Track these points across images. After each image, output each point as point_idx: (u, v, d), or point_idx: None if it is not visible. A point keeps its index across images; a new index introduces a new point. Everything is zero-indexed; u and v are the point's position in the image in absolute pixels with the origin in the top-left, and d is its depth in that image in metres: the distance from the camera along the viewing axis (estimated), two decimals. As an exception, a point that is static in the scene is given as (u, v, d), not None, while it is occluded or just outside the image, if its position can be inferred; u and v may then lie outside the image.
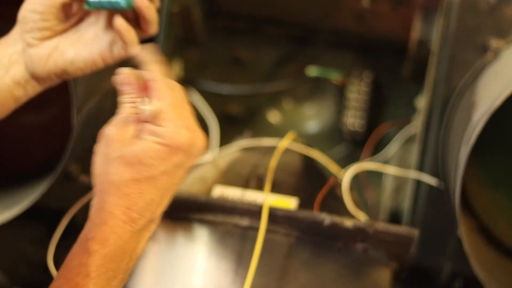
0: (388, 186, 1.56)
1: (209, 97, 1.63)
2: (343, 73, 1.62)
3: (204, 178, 1.17)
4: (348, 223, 1.02)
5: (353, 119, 1.62)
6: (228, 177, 1.15)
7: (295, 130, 1.59)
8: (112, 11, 0.98)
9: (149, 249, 1.08)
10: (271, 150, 1.19)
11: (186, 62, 1.58)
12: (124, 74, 0.92)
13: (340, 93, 1.64)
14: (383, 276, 1.10)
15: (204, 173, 1.18)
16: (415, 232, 1.04)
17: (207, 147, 0.90)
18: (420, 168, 1.37)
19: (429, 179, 1.31)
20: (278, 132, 1.65)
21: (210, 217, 1.06)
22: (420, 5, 1.40)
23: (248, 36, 1.63)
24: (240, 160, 1.19)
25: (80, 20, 1.02)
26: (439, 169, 1.34)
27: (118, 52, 0.99)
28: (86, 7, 0.98)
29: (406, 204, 1.42)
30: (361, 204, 1.26)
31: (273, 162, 1.14)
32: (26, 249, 1.48)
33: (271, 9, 1.59)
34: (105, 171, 0.85)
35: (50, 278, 1.11)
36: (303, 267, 1.05)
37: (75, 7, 1.01)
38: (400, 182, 1.52)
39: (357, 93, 1.61)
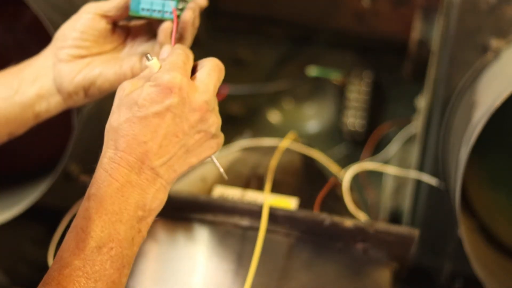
0: (388, 186, 1.56)
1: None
2: (343, 73, 1.62)
3: (204, 178, 1.17)
4: (348, 223, 1.02)
5: (353, 119, 1.62)
6: (228, 177, 1.15)
7: (295, 130, 1.59)
8: (155, 20, 1.01)
9: (149, 249, 1.08)
10: (271, 150, 1.19)
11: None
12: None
13: (340, 93, 1.64)
14: (384, 276, 1.10)
15: (204, 173, 1.18)
16: (415, 232, 1.04)
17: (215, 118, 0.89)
18: (420, 168, 1.37)
19: (429, 179, 1.31)
20: (278, 132, 1.65)
21: (210, 217, 1.06)
22: (420, 5, 1.40)
23: (248, 36, 1.64)
24: (240, 160, 1.19)
25: (118, 46, 1.03)
26: (439, 169, 1.34)
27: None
28: (132, 13, 0.99)
29: (406, 204, 1.42)
30: (361, 204, 1.26)
31: (273, 162, 1.14)
32: (26, 249, 1.48)
33: (272, 9, 1.59)
34: (110, 120, 0.86)
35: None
36: (303, 267, 1.05)
37: (116, 34, 1.02)
38: (400, 182, 1.53)
39: (357, 93, 1.61)
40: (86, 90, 1.00)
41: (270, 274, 1.04)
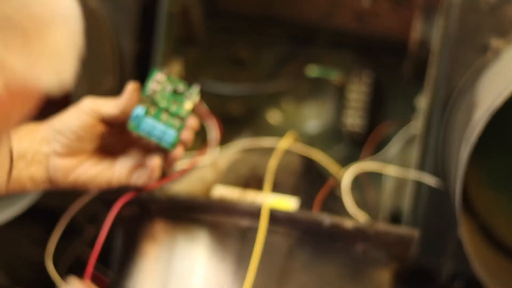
0: (388, 186, 1.56)
1: (209, 97, 1.63)
2: (343, 73, 1.62)
3: (204, 179, 1.17)
4: (348, 223, 1.02)
5: (353, 119, 1.62)
6: (228, 178, 1.15)
7: (295, 130, 1.59)
8: (151, 143, 1.01)
9: (149, 250, 1.08)
10: (271, 150, 1.19)
11: (186, 62, 1.58)
12: None
13: (340, 93, 1.64)
14: (383, 276, 1.10)
15: (204, 174, 1.18)
16: (415, 232, 1.04)
17: None
18: (421, 168, 1.37)
19: (430, 179, 1.31)
20: (278, 132, 1.65)
21: (210, 217, 1.06)
22: (420, 5, 1.40)
23: (248, 36, 1.64)
24: (240, 160, 1.19)
25: (111, 142, 1.03)
26: (440, 169, 1.34)
27: (136, 180, 1.03)
28: (132, 128, 0.99)
29: (406, 204, 1.42)
30: (361, 204, 1.26)
31: (273, 162, 1.14)
32: (25, 249, 1.48)
33: (271, 9, 1.59)
34: None
35: (50, 278, 1.11)
36: (303, 267, 1.05)
37: (112, 133, 1.03)
38: (400, 182, 1.52)
39: (357, 93, 1.61)
40: (76, 188, 1.03)
41: (270, 274, 1.04)
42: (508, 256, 1.30)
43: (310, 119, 1.68)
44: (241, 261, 1.04)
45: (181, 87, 1.02)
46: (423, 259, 1.39)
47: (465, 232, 1.15)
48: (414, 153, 1.40)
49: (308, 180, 1.16)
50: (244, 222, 1.05)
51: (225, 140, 1.46)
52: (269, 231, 1.04)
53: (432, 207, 1.36)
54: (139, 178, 1.03)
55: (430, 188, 1.35)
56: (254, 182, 1.13)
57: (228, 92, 1.59)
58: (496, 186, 1.33)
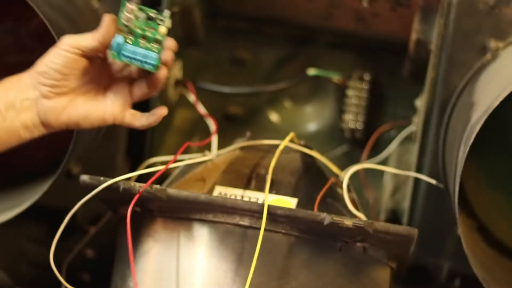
0: (388, 186, 1.57)
1: (209, 97, 1.64)
2: (343, 73, 1.62)
3: (204, 179, 1.17)
4: (348, 222, 1.03)
5: (353, 119, 1.62)
6: (228, 178, 1.15)
7: (295, 130, 1.59)
8: (136, 68, 1.05)
9: (149, 249, 1.08)
10: (271, 150, 1.19)
11: (186, 62, 1.58)
12: None
13: (340, 93, 1.65)
14: (383, 275, 1.10)
15: (204, 173, 1.18)
16: (414, 232, 1.04)
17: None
18: (420, 168, 1.37)
19: (429, 179, 1.31)
20: (278, 132, 1.65)
21: (210, 216, 1.06)
22: (420, 6, 1.41)
23: (248, 36, 1.64)
24: (240, 160, 1.20)
25: (93, 76, 1.05)
26: (439, 169, 1.34)
27: (131, 119, 1.06)
28: (114, 56, 1.03)
29: (406, 204, 1.42)
30: (361, 204, 1.27)
31: (273, 162, 1.14)
32: (27, 248, 1.48)
33: (272, 9, 1.59)
34: None
35: (51, 278, 1.11)
36: (303, 266, 1.05)
37: (95, 67, 1.04)
38: (400, 182, 1.53)
39: (357, 93, 1.61)
40: (69, 127, 1.05)
41: (270, 273, 1.04)
42: (506, 255, 1.31)
43: (310, 119, 1.69)
44: (242, 260, 1.04)
45: (152, 13, 1.05)
46: (422, 258, 1.39)
47: (463, 232, 1.16)
48: (414, 153, 1.40)
49: (308, 180, 1.16)
50: (244, 222, 1.06)
51: (225, 140, 1.47)
52: (269, 230, 1.05)
53: (431, 206, 1.37)
54: (134, 116, 1.06)
55: (430, 188, 1.35)
56: (254, 182, 1.14)
57: (228, 92, 1.60)
58: (494, 186, 1.34)
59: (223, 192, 1.13)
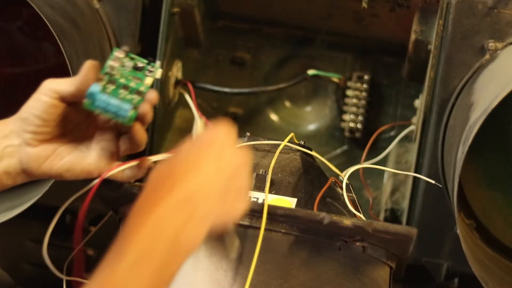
0: (387, 186, 1.57)
1: (209, 97, 1.64)
2: (343, 74, 1.62)
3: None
4: (347, 222, 1.03)
5: (353, 120, 1.62)
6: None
7: (295, 130, 1.60)
8: (111, 119, 0.99)
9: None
10: (271, 150, 1.20)
11: (187, 63, 1.58)
12: None
13: (340, 93, 1.65)
14: (382, 274, 1.10)
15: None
16: (414, 231, 1.05)
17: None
18: (419, 168, 1.38)
19: (428, 179, 1.32)
20: (278, 132, 1.66)
21: (210, 216, 1.07)
22: (419, 7, 1.41)
23: (248, 36, 1.64)
24: (240, 160, 1.20)
25: (78, 125, 1.01)
26: (438, 169, 1.34)
27: (122, 174, 1.02)
28: (86, 105, 0.96)
29: (405, 203, 1.43)
30: (360, 203, 1.27)
31: (273, 162, 1.15)
32: (28, 248, 1.49)
33: (272, 10, 1.59)
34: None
35: (53, 277, 1.12)
36: (303, 265, 1.05)
37: (80, 116, 1.00)
38: (399, 182, 1.53)
39: (357, 94, 1.62)
40: (52, 177, 1.02)
41: (270, 272, 1.04)
42: (504, 254, 1.31)
43: (310, 119, 1.69)
44: (242, 259, 1.04)
45: (140, 63, 1.01)
46: (421, 257, 1.39)
47: (462, 231, 1.16)
48: (413, 153, 1.41)
49: (308, 180, 1.17)
50: (244, 221, 1.06)
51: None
52: (269, 230, 1.05)
53: (430, 206, 1.37)
54: (124, 172, 1.02)
55: (429, 188, 1.35)
56: (254, 182, 1.14)
57: (228, 92, 1.60)
58: (493, 186, 1.34)
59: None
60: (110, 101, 0.96)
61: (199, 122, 1.02)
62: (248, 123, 1.68)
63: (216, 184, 0.87)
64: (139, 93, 0.98)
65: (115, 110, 0.96)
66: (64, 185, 1.29)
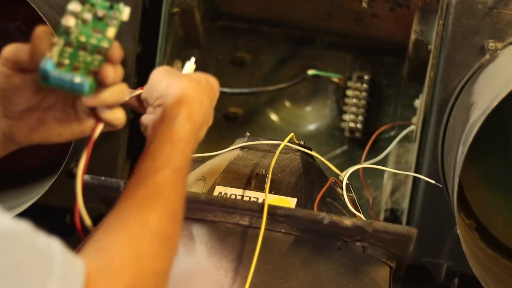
0: (387, 186, 1.57)
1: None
2: (343, 74, 1.63)
3: (204, 178, 1.18)
4: (347, 222, 1.03)
5: (353, 120, 1.62)
6: (228, 178, 1.15)
7: (295, 130, 1.59)
8: (70, 93, 0.87)
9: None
10: (271, 150, 1.20)
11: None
12: None
13: (340, 93, 1.65)
14: (382, 274, 1.10)
15: (204, 173, 1.18)
16: (413, 231, 1.05)
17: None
18: (419, 168, 1.38)
19: (428, 179, 1.32)
20: (278, 132, 1.66)
21: (210, 216, 1.07)
22: (419, 7, 1.41)
23: (248, 37, 1.64)
24: (240, 160, 1.20)
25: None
26: (438, 169, 1.35)
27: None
28: (41, 82, 0.85)
29: (405, 203, 1.43)
30: (360, 203, 1.27)
31: (273, 162, 1.15)
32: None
33: (271, 11, 1.59)
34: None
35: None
36: (303, 265, 1.05)
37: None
38: (399, 182, 1.53)
39: (357, 94, 1.62)
40: (43, 143, 0.93)
41: (270, 272, 1.04)
42: (504, 254, 1.31)
43: (310, 119, 1.69)
44: (242, 259, 1.04)
45: (101, 11, 0.87)
46: (421, 257, 1.39)
47: (462, 231, 1.16)
48: (413, 153, 1.41)
49: (308, 180, 1.17)
50: (244, 221, 1.06)
51: (225, 140, 1.47)
52: (269, 230, 1.05)
53: (430, 206, 1.37)
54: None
55: (429, 188, 1.35)
56: (254, 182, 1.14)
57: (228, 92, 1.60)
58: (493, 186, 1.34)
59: (223, 191, 1.14)
60: (63, 77, 0.84)
61: (191, 63, 1.03)
62: (248, 123, 1.68)
63: (210, 110, 0.98)
64: (100, 52, 0.86)
65: (70, 86, 0.84)
66: (64, 185, 1.29)
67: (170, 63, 1.49)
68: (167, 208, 0.86)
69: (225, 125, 1.65)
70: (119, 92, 0.89)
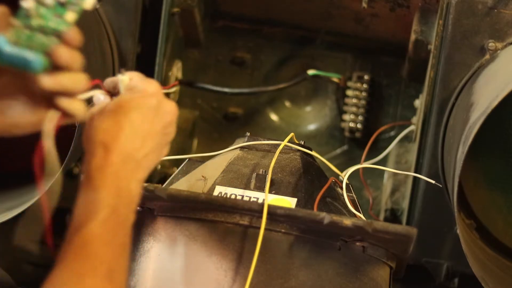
0: (387, 186, 1.57)
1: (209, 97, 1.64)
2: (343, 74, 1.63)
3: (204, 178, 1.18)
4: (347, 222, 1.03)
5: (353, 119, 1.62)
6: (228, 177, 1.15)
7: (295, 130, 1.60)
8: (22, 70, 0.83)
9: (149, 248, 1.09)
10: (271, 150, 1.20)
11: (187, 63, 1.58)
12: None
13: (340, 93, 1.65)
14: (382, 274, 1.11)
15: (204, 173, 1.18)
16: (413, 231, 1.05)
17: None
18: (419, 168, 1.38)
19: (428, 179, 1.32)
20: (278, 132, 1.66)
21: (210, 216, 1.07)
22: (419, 6, 1.41)
23: (248, 36, 1.64)
24: (240, 160, 1.20)
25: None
26: (438, 169, 1.35)
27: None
28: None
29: (405, 203, 1.43)
30: (360, 203, 1.27)
31: (273, 162, 1.15)
32: (28, 248, 1.49)
33: (271, 11, 1.59)
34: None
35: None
36: (303, 265, 1.05)
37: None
38: (399, 182, 1.53)
39: (357, 94, 1.62)
40: (2, 135, 0.89)
41: (270, 272, 1.04)
42: (504, 254, 1.31)
43: (310, 119, 1.69)
44: (242, 259, 1.04)
45: None
46: (421, 257, 1.40)
47: (462, 231, 1.16)
48: (413, 153, 1.41)
49: (308, 180, 1.17)
50: (245, 221, 1.06)
51: (225, 140, 1.47)
52: (269, 230, 1.05)
53: (430, 206, 1.37)
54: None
55: (429, 188, 1.35)
56: (254, 182, 1.14)
57: (228, 92, 1.60)
58: (493, 185, 1.34)
59: (223, 191, 1.14)
60: (17, 53, 0.81)
61: (124, 77, 0.94)
62: (248, 123, 1.68)
63: (154, 137, 0.90)
64: (57, 35, 0.84)
65: (23, 63, 0.82)
66: (65, 186, 1.29)
67: (170, 63, 1.49)
68: (99, 268, 0.81)
69: (225, 125, 1.65)
70: (78, 79, 0.86)
